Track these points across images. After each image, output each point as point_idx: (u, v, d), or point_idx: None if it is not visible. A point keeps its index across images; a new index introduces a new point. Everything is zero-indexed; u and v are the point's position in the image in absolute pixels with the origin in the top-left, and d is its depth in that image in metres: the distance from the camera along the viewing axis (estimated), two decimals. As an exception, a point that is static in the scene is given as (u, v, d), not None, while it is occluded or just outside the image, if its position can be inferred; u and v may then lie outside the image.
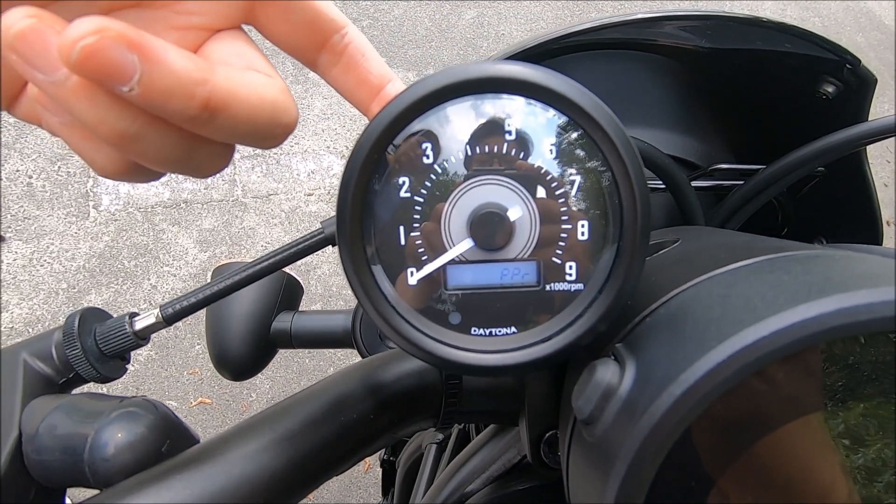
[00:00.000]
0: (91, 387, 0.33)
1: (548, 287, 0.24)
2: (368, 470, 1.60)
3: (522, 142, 0.23)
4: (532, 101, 0.23)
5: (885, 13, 3.19)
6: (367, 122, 0.23)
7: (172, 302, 0.31)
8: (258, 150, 1.96)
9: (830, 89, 0.47)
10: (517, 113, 0.23)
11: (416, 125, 0.23)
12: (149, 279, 1.78)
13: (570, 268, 0.24)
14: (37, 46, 0.17)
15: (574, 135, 0.23)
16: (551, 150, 0.23)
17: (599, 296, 0.23)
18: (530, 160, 0.23)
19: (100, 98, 0.18)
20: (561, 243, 0.24)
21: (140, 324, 0.31)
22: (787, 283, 0.19)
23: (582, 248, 0.24)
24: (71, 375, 0.31)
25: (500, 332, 0.24)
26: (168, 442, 0.28)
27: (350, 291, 0.23)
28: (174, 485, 0.25)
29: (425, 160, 0.23)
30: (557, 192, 0.23)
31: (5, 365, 0.30)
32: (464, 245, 0.24)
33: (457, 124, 0.23)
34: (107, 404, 0.28)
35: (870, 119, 0.42)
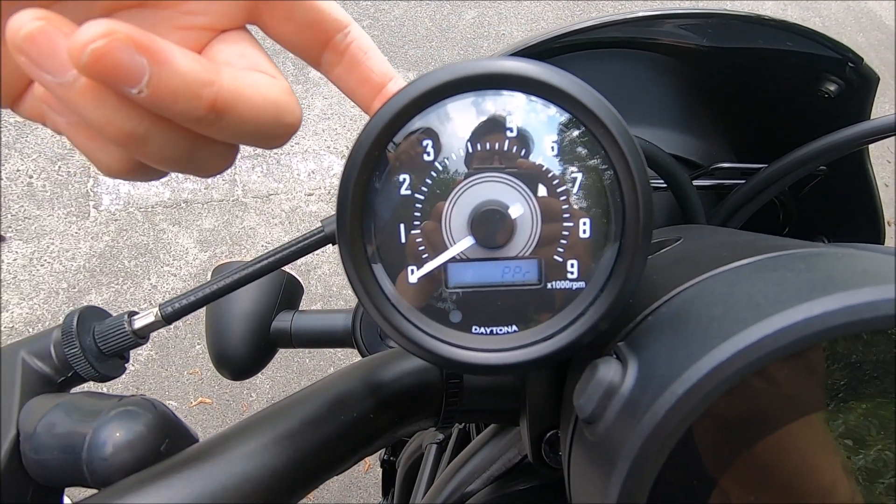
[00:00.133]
0: (90, 386, 0.33)
1: (549, 285, 0.24)
2: (368, 470, 1.60)
3: (524, 139, 0.23)
4: (533, 98, 0.22)
5: (886, 13, 3.18)
6: (368, 120, 0.23)
7: (172, 301, 0.31)
8: (258, 150, 1.97)
9: (832, 88, 0.47)
10: (518, 110, 0.23)
11: (417, 122, 0.23)
12: (149, 279, 1.78)
13: (572, 266, 0.24)
14: (45, 48, 0.17)
15: (576, 132, 0.23)
16: (553, 148, 0.23)
17: (601, 294, 0.23)
18: (531, 158, 0.23)
19: (107, 99, 0.18)
20: (562, 241, 0.24)
21: (139, 322, 0.31)
22: (790, 280, 0.19)
23: (583, 247, 0.24)
24: (70, 374, 0.31)
25: (501, 330, 0.24)
26: (167, 441, 0.28)
27: (350, 291, 0.23)
28: (173, 484, 0.25)
29: (426, 158, 0.23)
30: (559, 190, 0.23)
31: (4, 364, 0.30)
32: (465, 243, 0.23)
33: (457, 121, 0.23)
34: (105, 403, 0.28)
35: (872, 118, 0.41)
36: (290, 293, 0.58)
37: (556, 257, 0.24)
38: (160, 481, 0.25)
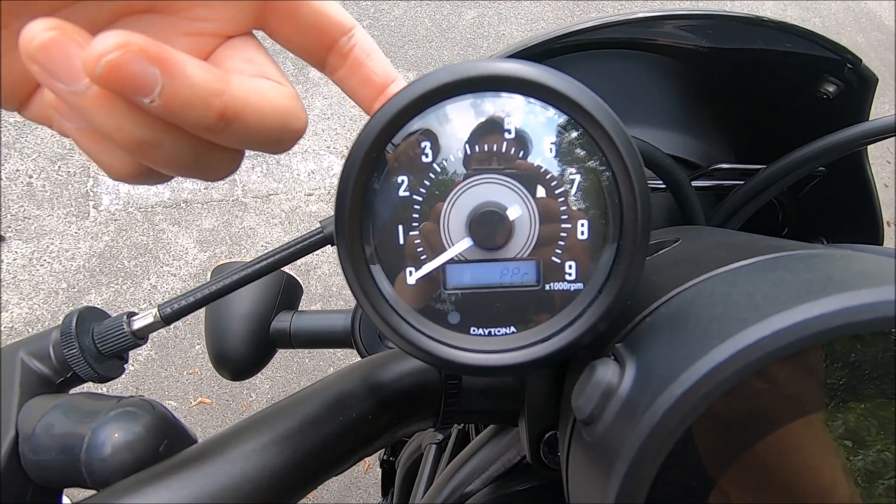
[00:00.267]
0: (89, 386, 0.33)
1: (547, 286, 0.24)
2: (368, 470, 1.60)
3: (522, 140, 0.23)
4: (532, 100, 0.22)
5: (886, 13, 3.18)
6: (367, 121, 0.23)
7: (171, 301, 0.31)
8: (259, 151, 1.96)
9: (831, 89, 0.47)
10: (517, 111, 0.23)
11: (416, 123, 0.23)
12: (149, 279, 1.78)
13: (570, 267, 0.24)
14: (58, 57, 0.17)
15: (574, 133, 0.23)
16: (551, 149, 0.23)
17: (599, 295, 0.23)
18: (530, 159, 0.23)
19: (118, 107, 0.18)
20: (561, 242, 0.24)
21: (138, 323, 0.31)
22: (789, 281, 0.19)
23: (582, 248, 0.24)
24: (68, 375, 0.31)
25: (499, 331, 0.24)
26: (166, 442, 0.28)
27: (349, 291, 0.23)
28: (172, 484, 0.25)
29: (424, 159, 0.23)
30: (557, 192, 0.23)
31: (3, 364, 0.30)
32: (463, 244, 0.23)
33: (456, 123, 0.23)
34: (104, 404, 0.28)
35: (871, 118, 0.41)
36: (290, 293, 0.58)
37: (554, 258, 0.24)
38: (159, 482, 0.25)
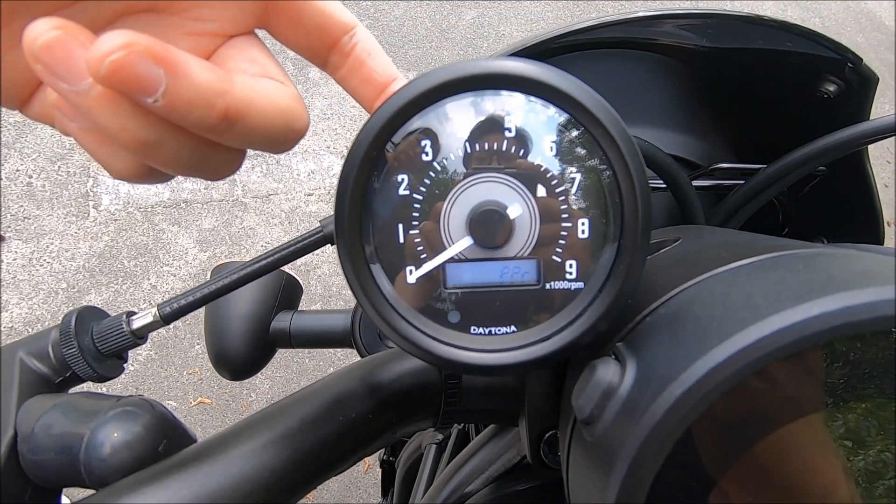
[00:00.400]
0: (88, 386, 0.33)
1: (548, 286, 0.24)
2: (368, 470, 1.59)
3: (522, 139, 0.23)
4: (532, 98, 0.22)
5: (886, 13, 3.18)
6: (367, 119, 0.23)
7: (170, 301, 0.31)
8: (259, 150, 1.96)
9: (832, 88, 0.47)
10: (517, 110, 0.23)
11: (416, 122, 0.23)
12: (148, 279, 1.78)
13: (571, 266, 0.24)
14: (62, 57, 0.17)
15: (574, 132, 0.23)
16: (551, 148, 0.23)
17: (600, 294, 0.23)
18: (530, 158, 0.23)
19: (122, 107, 0.18)
20: (561, 241, 0.24)
21: (138, 323, 0.31)
22: (789, 280, 0.19)
23: (582, 247, 0.24)
24: (68, 374, 0.31)
25: (499, 330, 0.24)
26: (165, 441, 0.28)
27: (349, 291, 0.23)
28: (171, 484, 0.25)
29: (424, 158, 0.23)
30: (557, 190, 0.23)
31: (2, 364, 0.30)
32: (463, 243, 0.23)
33: (456, 121, 0.23)
34: (103, 403, 0.28)
35: (871, 118, 0.41)
36: (290, 293, 0.58)
37: (554, 257, 0.24)
38: (158, 482, 0.25)
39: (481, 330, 0.24)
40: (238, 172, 2.03)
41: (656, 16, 0.46)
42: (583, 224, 0.23)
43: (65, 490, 0.30)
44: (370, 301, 0.23)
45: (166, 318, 0.31)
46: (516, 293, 0.24)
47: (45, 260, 1.75)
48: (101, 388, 0.38)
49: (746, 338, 0.17)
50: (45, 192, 1.85)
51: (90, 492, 0.26)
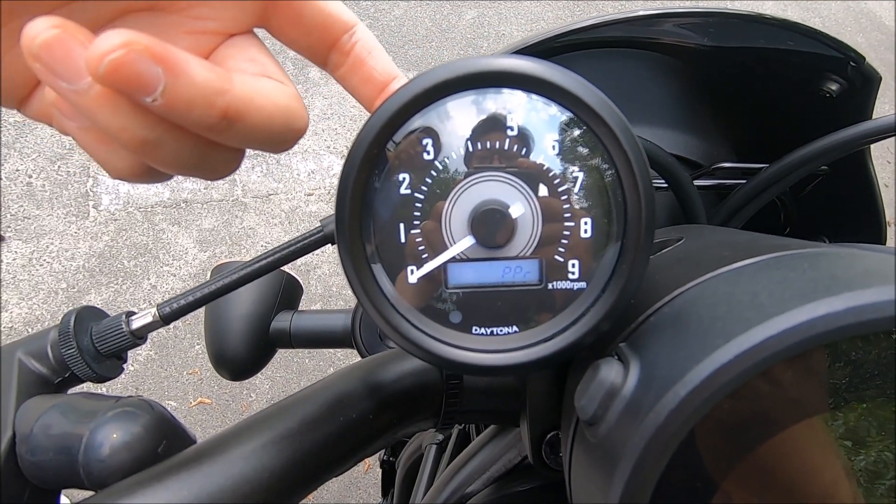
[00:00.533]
0: (88, 386, 0.33)
1: (550, 285, 0.24)
2: (368, 470, 1.59)
3: (524, 138, 0.23)
4: (534, 97, 0.22)
5: (886, 13, 3.18)
6: (367, 118, 0.23)
7: (170, 301, 0.31)
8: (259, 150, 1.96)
9: (834, 87, 0.47)
10: (519, 108, 0.23)
11: (417, 121, 0.22)
12: (148, 279, 1.78)
13: (573, 266, 0.24)
14: (61, 56, 0.17)
15: (577, 131, 0.23)
16: (554, 147, 0.23)
17: (602, 294, 0.23)
18: (532, 157, 0.23)
19: (121, 106, 0.18)
20: (563, 241, 0.23)
21: (137, 323, 0.31)
22: (793, 280, 0.19)
23: (585, 246, 0.23)
24: (67, 375, 0.31)
25: (501, 331, 0.24)
26: (164, 442, 0.28)
27: (350, 291, 0.23)
28: (171, 485, 0.25)
29: (426, 157, 0.23)
30: (560, 190, 0.23)
31: (1, 364, 0.30)
32: (465, 243, 0.23)
33: (457, 120, 0.23)
34: (102, 404, 0.28)
35: (873, 118, 0.41)
36: (290, 293, 0.58)
37: (557, 257, 0.24)
38: (158, 483, 0.25)
39: (483, 330, 0.24)
40: (238, 172, 2.03)
41: (657, 15, 0.45)
42: (585, 223, 0.23)
43: (64, 491, 0.30)
44: (371, 301, 0.23)
45: (166, 319, 0.31)
46: (518, 293, 0.24)
47: (44, 260, 1.75)
48: (101, 388, 0.37)
49: (752, 338, 0.17)
50: (44, 192, 1.85)
51: (89, 493, 0.26)
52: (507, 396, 0.35)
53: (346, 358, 1.73)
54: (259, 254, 0.30)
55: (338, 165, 2.07)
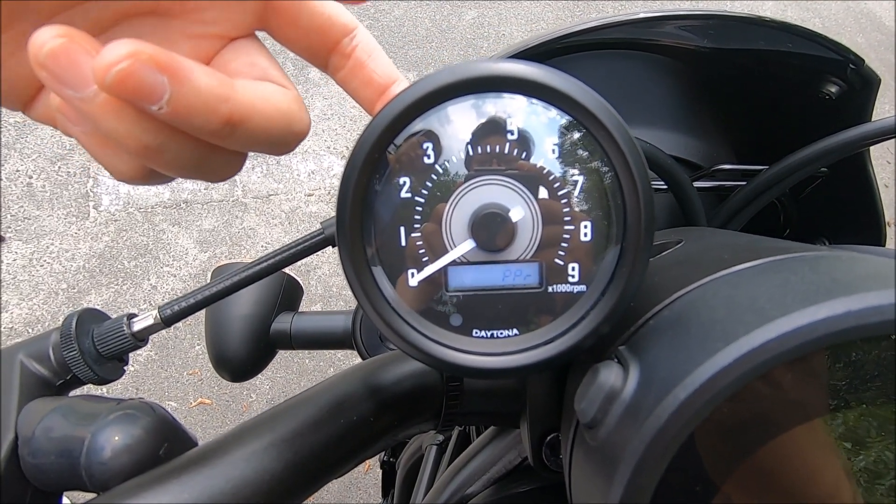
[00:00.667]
0: (89, 388, 0.33)
1: (550, 288, 0.24)
2: (368, 471, 1.59)
3: (524, 141, 0.23)
4: (534, 101, 0.22)
5: (886, 14, 3.18)
6: (369, 122, 0.23)
7: (171, 303, 0.31)
8: (258, 151, 1.96)
9: (833, 89, 0.47)
10: (519, 112, 0.23)
11: (417, 125, 0.22)
12: (149, 279, 1.78)
13: (573, 269, 0.24)
14: (67, 65, 0.17)
15: (576, 134, 0.23)
16: (553, 150, 0.23)
17: (602, 297, 0.23)
18: (532, 160, 0.23)
19: (126, 113, 0.18)
20: (563, 244, 0.24)
21: (138, 325, 0.31)
22: (793, 284, 0.19)
23: (585, 250, 0.24)
24: (68, 377, 0.31)
25: (501, 334, 0.24)
26: (166, 445, 0.28)
27: (350, 292, 0.23)
28: (172, 488, 0.25)
29: (426, 160, 0.23)
30: (560, 193, 0.23)
31: (2, 366, 0.30)
32: (465, 246, 0.23)
33: (458, 124, 0.23)
34: (104, 407, 0.28)
35: (873, 119, 0.41)
36: (290, 294, 0.58)
37: (557, 260, 0.24)
38: (159, 485, 0.25)
39: (483, 333, 0.24)
40: (238, 173, 2.04)
41: (658, 17, 0.46)
42: (585, 227, 0.23)
43: (66, 493, 0.30)
44: (371, 303, 0.23)
45: (167, 321, 0.31)
46: (518, 296, 0.24)
47: (45, 260, 1.75)
48: (101, 389, 0.38)
49: (752, 341, 0.17)
50: (45, 193, 1.85)
51: (91, 495, 0.26)
52: (507, 398, 0.35)
53: (347, 359, 1.73)
54: (259, 254, 0.31)
55: (338, 166, 2.08)
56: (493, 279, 0.24)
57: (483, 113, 0.23)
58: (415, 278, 0.24)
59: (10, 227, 1.77)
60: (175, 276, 1.80)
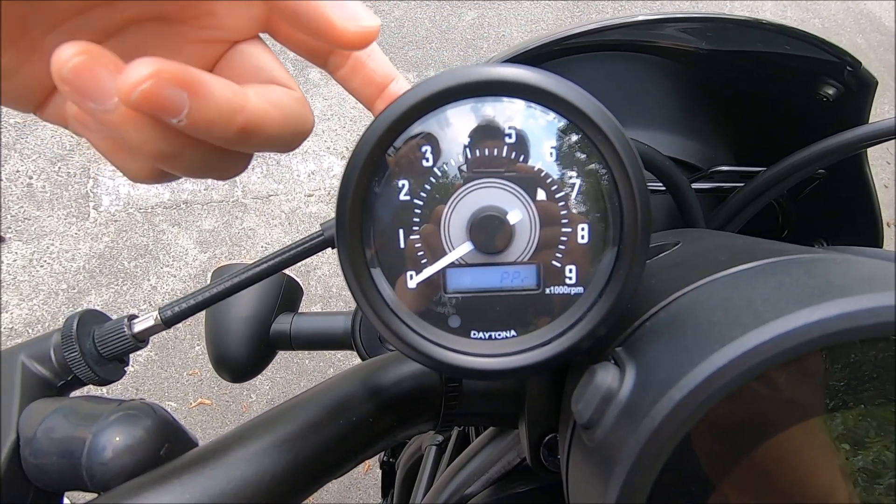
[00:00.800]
0: (89, 389, 0.33)
1: (548, 290, 0.24)
2: (368, 471, 1.60)
3: (522, 144, 0.23)
4: (532, 104, 0.23)
5: (886, 14, 3.18)
6: (368, 123, 0.23)
7: (171, 304, 0.31)
8: (258, 151, 1.96)
9: (831, 91, 0.47)
10: (517, 116, 0.23)
11: (417, 128, 0.23)
12: (149, 280, 1.78)
13: (570, 271, 0.24)
14: (88, 79, 0.18)
15: (574, 138, 0.23)
16: (551, 153, 0.23)
17: (599, 299, 0.23)
18: (530, 163, 0.23)
19: (145, 124, 0.19)
20: (561, 246, 0.24)
21: (139, 326, 0.31)
22: (788, 286, 0.19)
23: (582, 252, 0.24)
24: (69, 378, 0.31)
25: (499, 335, 0.24)
26: (166, 445, 0.28)
27: (350, 293, 0.23)
28: (172, 488, 0.25)
29: (425, 163, 0.23)
30: (557, 195, 0.23)
31: (4, 367, 0.30)
32: (463, 248, 0.23)
33: (457, 127, 0.23)
34: (105, 407, 0.28)
35: (871, 121, 0.41)
36: (290, 295, 0.58)
37: (554, 262, 0.24)
38: (160, 486, 0.25)
39: (481, 334, 0.24)
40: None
41: (657, 19, 0.46)
42: (582, 229, 0.24)
43: (67, 494, 0.30)
44: (371, 305, 0.23)
45: (167, 322, 0.31)
46: (516, 298, 0.24)
47: (45, 261, 1.75)
48: (102, 389, 0.38)
49: (746, 343, 0.17)
50: (45, 193, 1.85)
51: (92, 495, 0.26)
52: (505, 399, 0.35)
53: (347, 359, 1.73)
54: (259, 255, 0.31)
55: (338, 166, 2.08)
56: (491, 281, 0.24)
57: (482, 116, 0.23)
58: (413, 280, 0.24)
59: (10, 228, 1.77)
60: (175, 277, 1.80)
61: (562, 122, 0.23)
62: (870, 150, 0.47)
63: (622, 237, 0.23)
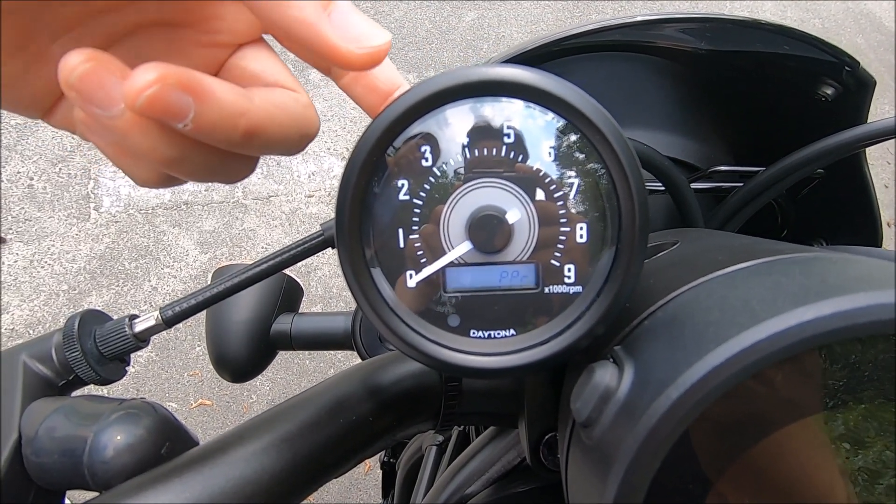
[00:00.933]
0: (91, 388, 0.33)
1: (546, 289, 0.24)
2: (369, 471, 1.60)
3: (521, 145, 0.23)
4: (531, 105, 0.23)
5: (885, 14, 3.18)
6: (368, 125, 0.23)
7: (172, 304, 0.31)
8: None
9: (829, 91, 0.47)
10: (516, 116, 0.23)
11: (416, 128, 0.23)
12: (149, 281, 1.78)
13: (569, 270, 0.24)
14: (95, 86, 0.18)
15: (572, 137, 0.23)
16: (550, 153, 0.23)
17: (598, 298, 0.23)
18: (529, 163, 0.23)
19: (151, 129, 0.19)
20: (559, 246, 0.24)
21: (140, 326, 0.31)
22: (785, 285, 0.19)
23: (580, 251, 0.24)
24: (71, 378, 0.31)
25: (498, 334, 0.24)
26: (167, 444, 0.28)
27: (350, 293, 0.23)
28: (173, 487, 0.25)
29: (424, 163, 0.23)
30: (556, 195, 0.23)
31: (5, 367, 0.30)
32: (462, 248, 0.24)
33: (456, 127, 0.23)
34: (106, 406, 0.28)
35: (869, 121, 0.42)
36: (290, 295, 0.58)
37: (553, 262, 0.24)
38: (160, 484, 0.25)
39: (481, 333, 0.24)
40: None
41: (656, 19, 0.46)
42: (581, 228, 0.24)
43: (68, 492, 0.30)
44: (370, 305, 0.24)
45: (168, 322, 0.31)
46: (515, 297, 0.24)
47: (46, 262, 1.75)
48: (102, 389, 0.38)
49: (743, 341, 0.17)
50: (46, 195, 1.85)
51: (93, 494, 0.27)
52: (505, 398, 0.35)
53: (347, 359, 1.73)
54: (260, 255, 0.31)
55: (338, 167, 2.08)
56: (490, 280, 0.24)
57: (481, 116, 0.23)
58: (413, 279, 0.24)
59: (11, 229, 1.77)
60: (175, 278, 1.80)
61: (560, 122, 0.23)
62: (870, 150, 0.47)
63: (620, 237, 0.23)
